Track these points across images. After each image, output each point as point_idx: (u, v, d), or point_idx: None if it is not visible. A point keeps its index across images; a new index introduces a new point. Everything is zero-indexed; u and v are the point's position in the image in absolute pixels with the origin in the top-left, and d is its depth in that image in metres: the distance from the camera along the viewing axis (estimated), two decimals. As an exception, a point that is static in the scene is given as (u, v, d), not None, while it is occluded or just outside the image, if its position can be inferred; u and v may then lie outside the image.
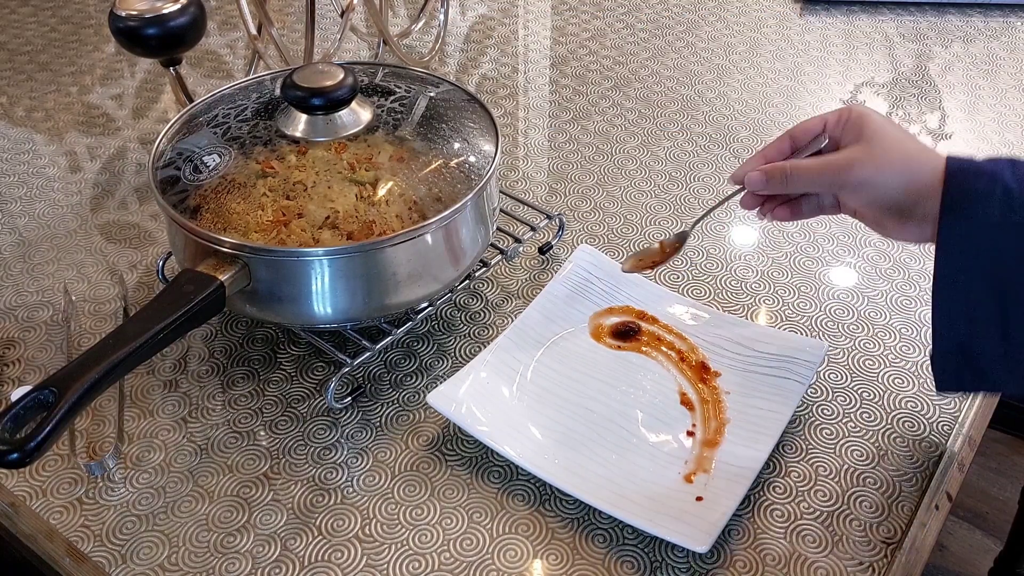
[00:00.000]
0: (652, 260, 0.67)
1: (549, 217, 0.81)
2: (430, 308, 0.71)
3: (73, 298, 0.75)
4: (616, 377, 0.67)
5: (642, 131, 0.98)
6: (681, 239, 0.65)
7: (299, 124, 0.68)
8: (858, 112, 0.57)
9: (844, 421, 0.65)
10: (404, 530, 0.57)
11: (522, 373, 0.67)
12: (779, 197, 0.62)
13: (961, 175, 0.53)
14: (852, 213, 0.60)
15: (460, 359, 0.69)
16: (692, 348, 0.69)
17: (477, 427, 0.61)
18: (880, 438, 0.63)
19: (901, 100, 1.04)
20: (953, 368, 0.55)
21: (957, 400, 0.66)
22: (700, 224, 0.65)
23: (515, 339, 0.68)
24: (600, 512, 0.58)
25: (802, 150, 0.59)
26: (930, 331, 0.55)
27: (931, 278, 0.54)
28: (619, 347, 0.69)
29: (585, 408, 0.64)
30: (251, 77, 0.77)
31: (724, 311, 0.73)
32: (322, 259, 0.61)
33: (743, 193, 0.61)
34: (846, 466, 0.61)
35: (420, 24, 1.14)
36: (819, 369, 0.67)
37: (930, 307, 0.54)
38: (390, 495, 0.60)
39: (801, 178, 0.57)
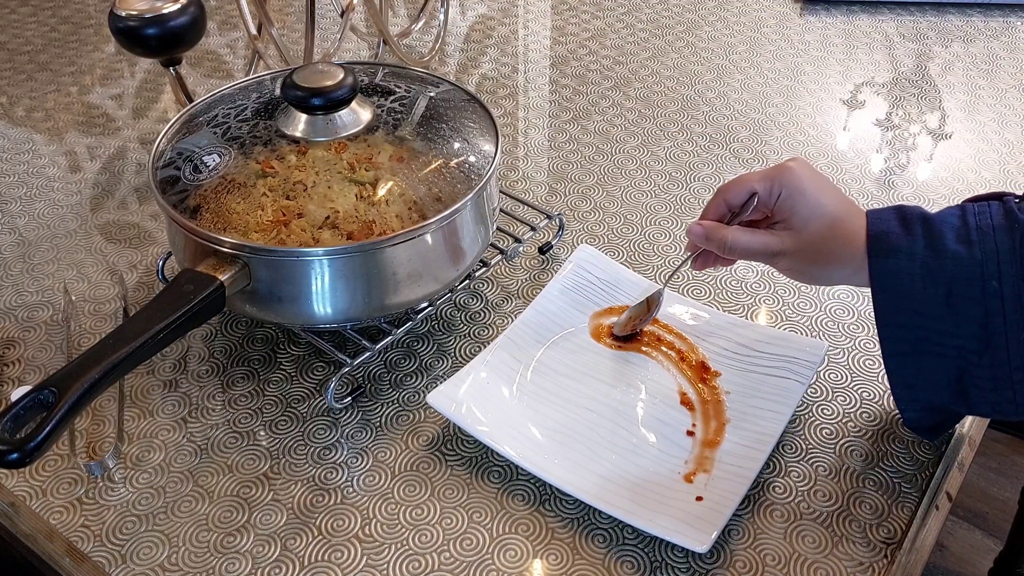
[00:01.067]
0: (640, 317, 0.70)
1: (549, 217, 0.81)
2: (430, 308, 0.71)
3: (73, 298, 0.75)
4: (616, 377, 0.67)
5: (642, 131, 0.98)
6: (659, 295, 0.70)
7: (299, 124, 0.68)
8: (789, 189, 0.58)
9: (844, 421, 0.65)
10: (404, 530, 0.57)
11: (522, 373, 0.67)
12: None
13: (884, 261, 0.55)
14: None
15: (460, 359, 0.69)
16: (692, 348, 0.69)
17: (477, 427, 0.61)
18: (880, 438, 0.63)
19: (901, 100, 1.04)
20: (927, 419, 0.59)
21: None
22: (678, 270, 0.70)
23: (515, 339, 0.68)
24: (600, 512, 0.58)
25: (738, 214, 0.61)
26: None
27: None
28: (619, 347, 0.69)
29: (585, 408, 0.64)
30: (251, 77, 0.77)
31: (724, 311, 0.73)
32: (322, 259, 0.61)
33: (693, 257, 0.65)
34: (846, 466, 0.61)
35: (420, 24, 1.14)
36: (819, 369, 0.67)
37: None
38: (390, 495, 0.60)
39: (736, 250, 0.60)
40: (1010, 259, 0.52)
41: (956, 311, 0.53)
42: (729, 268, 0.78)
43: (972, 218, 0.54)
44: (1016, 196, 0.56)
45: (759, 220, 0.62)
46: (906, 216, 0.56)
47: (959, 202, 0.58)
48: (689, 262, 0.65)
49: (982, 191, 0.61)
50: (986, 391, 0.54)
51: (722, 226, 0.60)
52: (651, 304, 0.70)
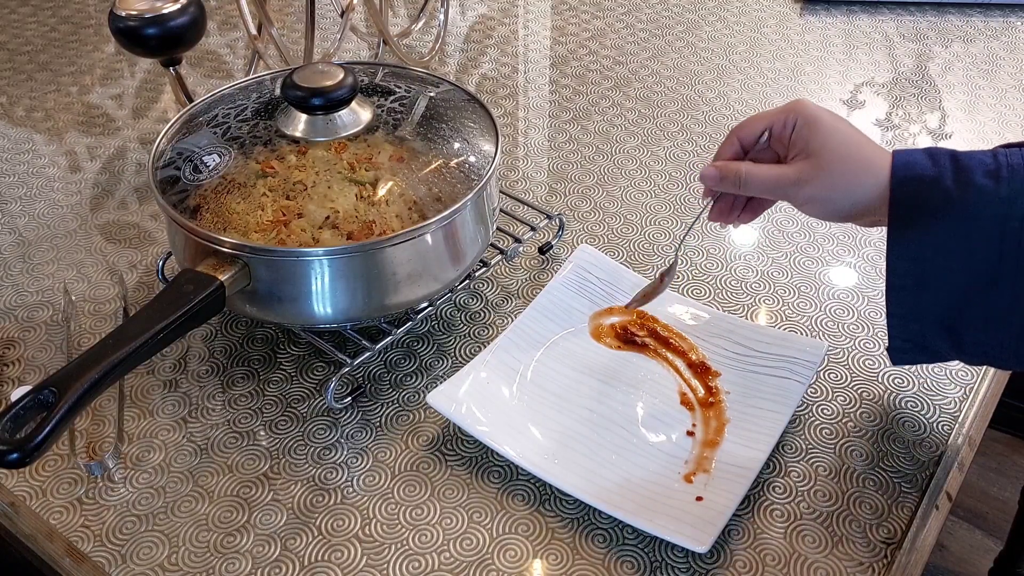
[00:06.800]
0: (652, 292, 0.68)
1: (549, 217, 0.81)
2: (430, 308, 0.71)
3: (73, 298, 0.75)
4: (616, 377, 0.67)
5: (642, 131, 0.98)
6: (672, 266, 0.67)
7: (299, 124, 0.68)
8: (805, 117, 0.57)
9: (844, 421, 0.65)
10: (404, 530, 0.57)
11: (522, 373, 0.67)
12: (739, 203, 0.64)
13: (907, 187, 0.54)
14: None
15: (460, 359, 0.69)
16: (692, 348, 0.69)
17: (477, 427, 0.61)
18: (880, 438, 0.63)
19: (901, 100, 1.04)
20: (910, 355, 0.58)
21: (957, 400, 0.66)
22: (689, 235, 0.67)
23: (515, 339, 0.68)
24: (600, 512, 0.58)
25: (751, 151, 0.60)
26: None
27: None
28: (619, 347, 0.69)
29: (585, 408, 0.64)
30: (251, 77, 0.77)
31: (724, 311, 0.73)
32: (322, 259, 0.61)
33: (708, 208, 0.63)
34: (846, 466, 0.61)
35: (420, 24, 1.14)
36: (819, 369, 0.67)
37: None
38: (390, 495, 0.60)
39: (753, 184, 0.59)
40: None
41: (971, 248, 0.52)
42: (729, 268, 0.78)
43: (1003, 157, 0.53)
44: None
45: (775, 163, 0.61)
46: (934, 152, 0.55)
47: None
48: (705, 213, 0.63)
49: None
50: (978, 331, 0.54)
51: (735, 161, 0.59)
52: (663, 276, 0.67)
